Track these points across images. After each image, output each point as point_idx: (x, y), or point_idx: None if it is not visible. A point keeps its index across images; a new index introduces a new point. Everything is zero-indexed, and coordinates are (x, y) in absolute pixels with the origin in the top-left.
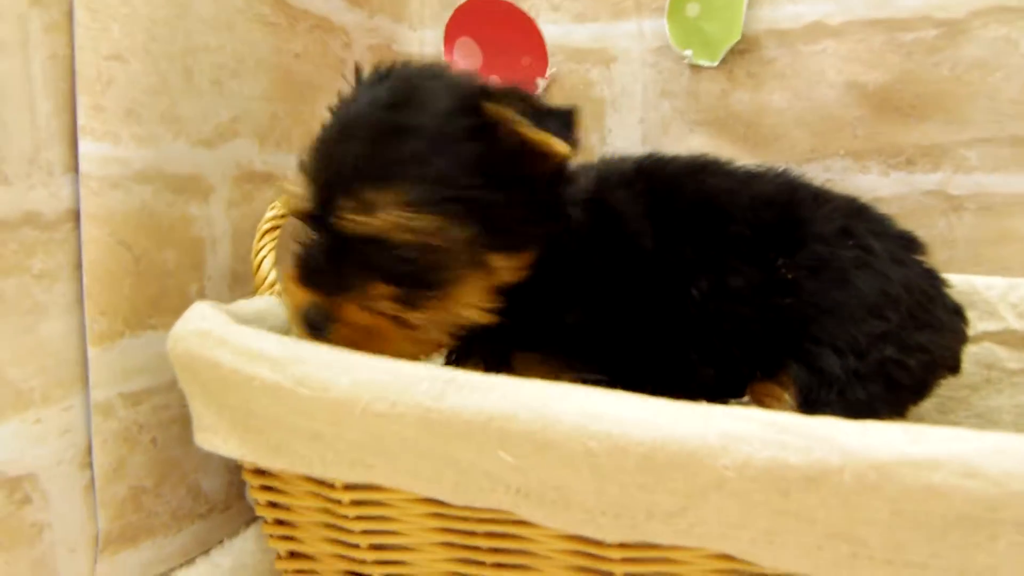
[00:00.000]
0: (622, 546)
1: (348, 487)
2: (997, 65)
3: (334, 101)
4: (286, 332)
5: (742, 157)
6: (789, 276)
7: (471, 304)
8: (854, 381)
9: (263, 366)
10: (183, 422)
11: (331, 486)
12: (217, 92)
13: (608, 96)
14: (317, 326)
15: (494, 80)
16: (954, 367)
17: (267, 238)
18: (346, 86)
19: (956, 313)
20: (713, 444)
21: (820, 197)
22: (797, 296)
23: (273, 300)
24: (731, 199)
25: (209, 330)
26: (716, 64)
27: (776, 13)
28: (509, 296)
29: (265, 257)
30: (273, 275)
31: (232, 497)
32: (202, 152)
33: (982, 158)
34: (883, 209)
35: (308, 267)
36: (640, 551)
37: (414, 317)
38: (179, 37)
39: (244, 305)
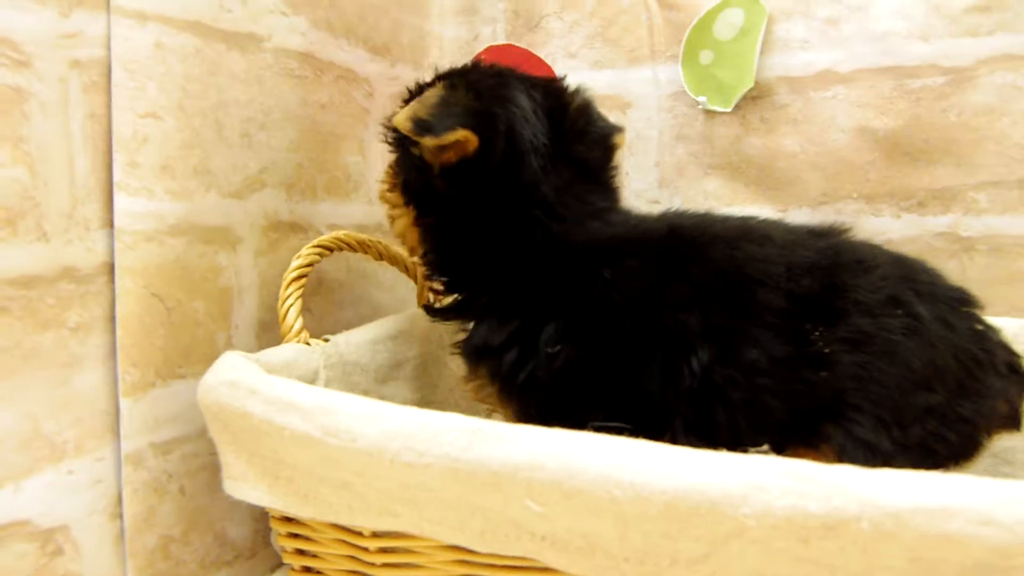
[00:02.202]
0: None
1: (375, 535)
2: (1004, 111)
3: (357, 148)
4: (312, 380)
5: (756, 200)
6: (825, 350)
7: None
8: (898, 453)
9: (293, 416)
10: (211, 470)
11: (359, 534)
12: (246, 145)
13: (626, 140)
14: None
15: None
16: (1013, 425)
17: (293, 286)
18: (369, 135)
19: (1013, 370)
20: (734, 493)
21: (866, 262)
22: (832, 370)
23: (300, 348)
24: (765, 267)
25: (239, 380)
26: (730, 110)
27: (788, 60)
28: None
29: (292, 306)
30: (299, 323)
31: (258, 544)
32: (231, 203)
33: (991, 200)
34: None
35: None
36: None
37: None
38: (211, 93)
39: (272, 354)
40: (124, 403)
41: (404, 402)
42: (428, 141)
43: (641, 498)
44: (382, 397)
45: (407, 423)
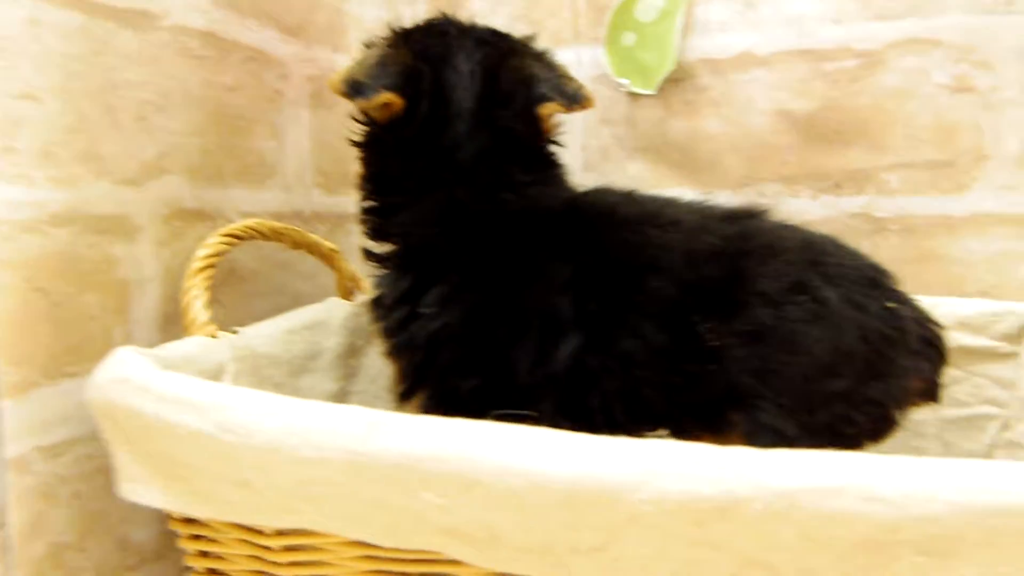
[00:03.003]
0: None
1: (278, 533)
2: (912, 94)
3: (271, 133)
4: (218, 375)
5: (680, 183)
6: (715, 343)
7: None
8: (804, 437)
9: (186, 413)
10: (108, 472)
11: (261, 532)
12: (142, 129)
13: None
14: None
15: None
16: (931, 398)
17: (199, 277)
18: (283, 119)
19: (929, 344)
20: (630, 479)
21: (774, 246)
22: (722, 364)
23: (205, 341)
24: (661, 253)
25: (130, 377)
26: (653, 92)
27: (708, 43)
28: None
29: (196, 297)
30: (204, 315)
31: (164, 547)
32: (126, 191)
33: (902, 182)
34: None
35: None
36: None
37: None
38: (98, 74)
39: (172, 349)
40: (5, 404)
41: (321, 394)
42: (359, 103)
43: (540, 487)
44: (297, 390)
45: (304, 417)
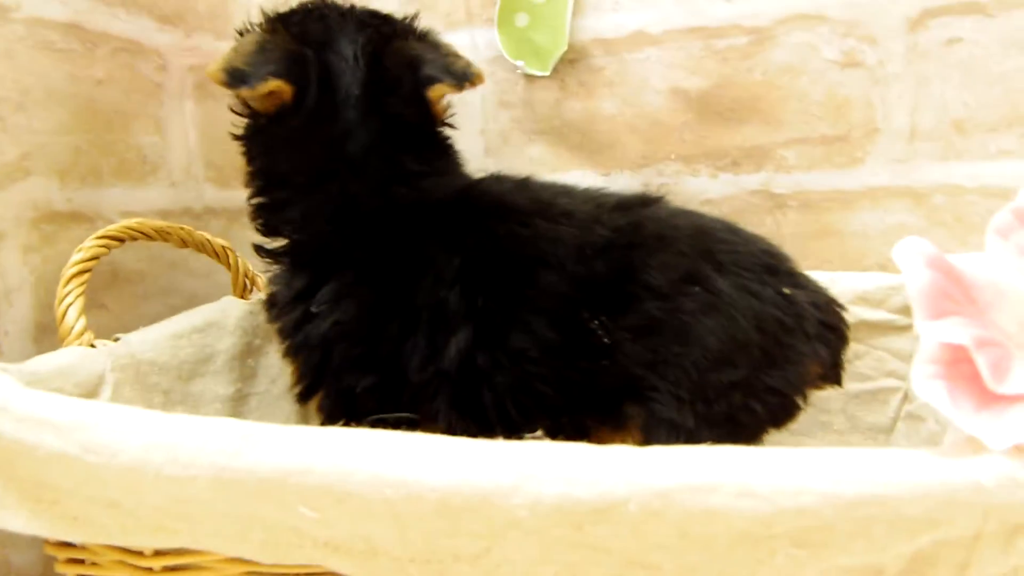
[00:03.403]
0: None
1: (158, 553)
2: (803, 69)
3: (152, 127)
4: (97, 386)
5: (580, 165)
6: (606, 340)
7: None
8: (702, 427)
9: (47, 433)
10: None
11: (140, 554)
12: (0, 128)
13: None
14: None
15: None
16: (833, 380)
17: (73, 283)
18: (166, 112)
19: (828, 327)
20: (505, 484)
21: (665, 237)
22: (615, 359)
23: (82, 351)
24: (552, 247)
25: None
26: (548, 74)
27: (599, 23)
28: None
29: (71, 305)
30: (81, 323)
31: (48, 570)
32: None
33: (799, 157)
34: (714, 211)
35: None
36: None
37: None
38: None
39: (42, 362)
40: None
41: (215, 399)
42: (244, 92)
43: (414, 496)
44: (188, 395)
45: (170, 432)
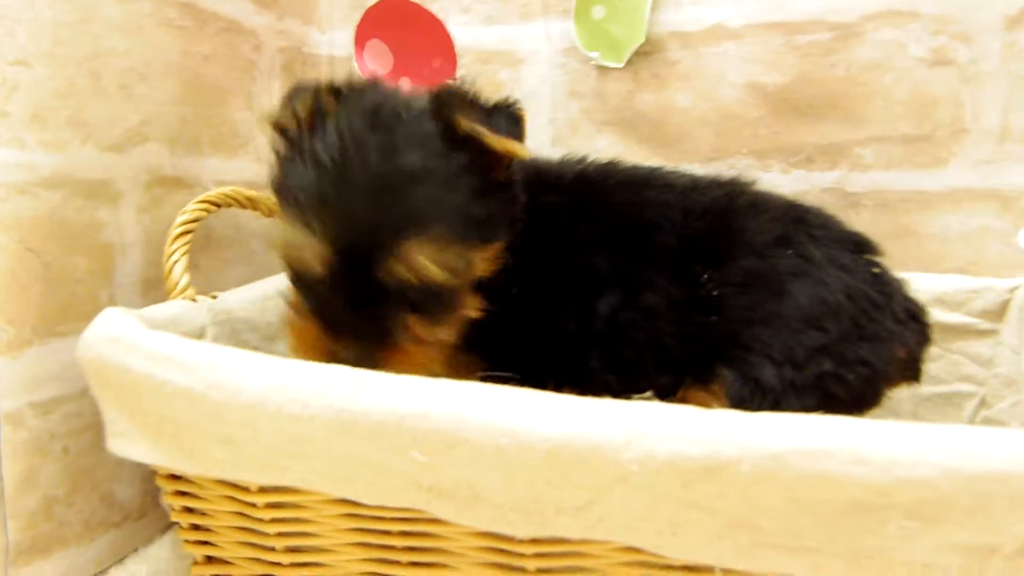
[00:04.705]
0: (533, 541)
1: (263, 490)
2: (888, 67)
3: (245, 103)
4: (199, 337)
5: (648, 157)
6: (714, 293)
7: (475, 304)
8: (790, 392)
9: (174, 370)
10: (95, 430)
11: (246, 489)
12: (125, 96)
13: (518, 97)
14: None
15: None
16: (912, 375)
17: (179, 241)
18: (257, 89)
19: (913, 318)
20: (617, 438)
21: (759, 205)
22: (721, 313)
23: (186, 304)
24: (664, 211)
25: (120, 336)
26: (622, 65)
27: (679, 16)
28: None
29: (177, 262)
30: (185, 280)
31: (147, 505)
32: (111, 157)
33: (877, 156)
34: None
35: (340, 321)
36: (551, 546)
37: (443, 333)
38: (85, 41)
39: (156, 310)
40: (1, 362)
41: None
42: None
43: (525, 445)
44: (272, 355)
45: (291, 375)
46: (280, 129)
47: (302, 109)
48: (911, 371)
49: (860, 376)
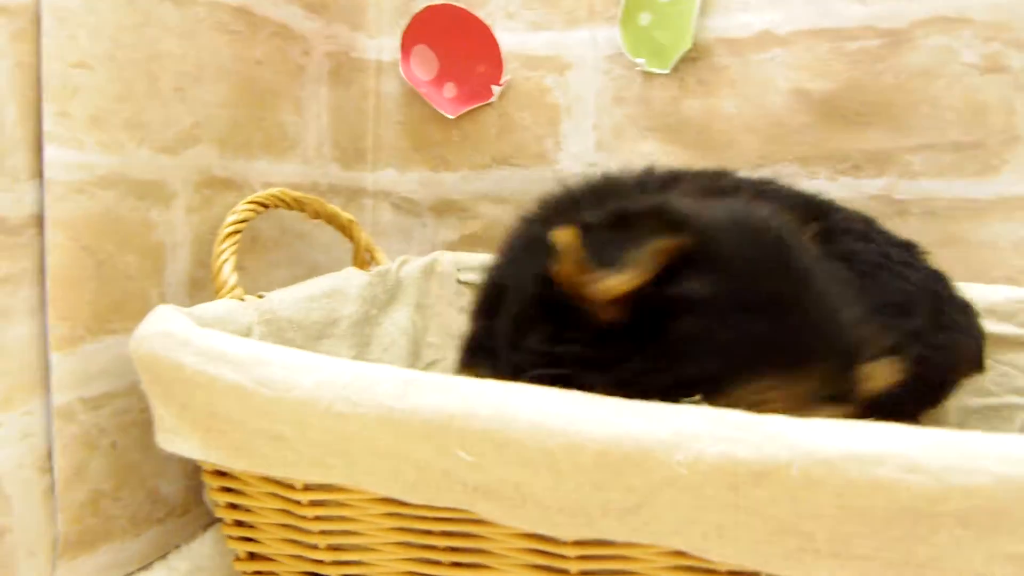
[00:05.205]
0: (578, 544)
1: (308, 487)
2: (938, 73)
3: (293, 107)
4: (246, 336)
5: (694, 163)
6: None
7: None
8: None
9: (226, 367)
10: (143, 426)
11: (291, 487)
12: (180, 99)
13: (563, 103)
14: None
15: None
16: (978, 365)
17: (228, 241)
18: (306, 93)
19: (967, 313)
20: (666, 440)
21: (835, 205)
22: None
23: (233, 303)
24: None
25: (172, 331)
26: (668, 71)
27: (726, 22)
28: None
29: (226, 261)
30: (233, 279)
31: (190, 501)
32: (164, 158)
33: (925, 164)
34: None
35: None
36: (595, 548)
37: None
38: (143, 44)
39: (205, 309)
40: (54, 357)
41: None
42: None
43: (574, 446)
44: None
45: (342, 373)
46: None
47: None
48: (976, 361)
49: (945, 361)
